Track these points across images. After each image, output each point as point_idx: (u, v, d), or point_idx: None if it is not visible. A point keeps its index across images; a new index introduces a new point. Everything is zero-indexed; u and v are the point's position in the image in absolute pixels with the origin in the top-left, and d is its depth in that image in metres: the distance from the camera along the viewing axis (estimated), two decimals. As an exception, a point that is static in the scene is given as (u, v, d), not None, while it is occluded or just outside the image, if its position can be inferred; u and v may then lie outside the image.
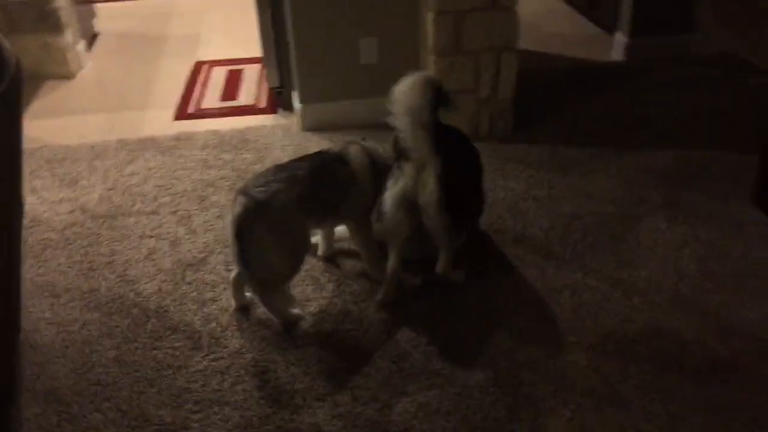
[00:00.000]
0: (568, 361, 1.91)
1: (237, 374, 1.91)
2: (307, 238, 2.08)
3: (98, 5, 4.56)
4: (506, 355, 1.93)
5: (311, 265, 2.28)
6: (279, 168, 2.06)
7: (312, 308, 2.13)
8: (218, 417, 1.78)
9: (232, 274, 2.10)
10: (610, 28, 3.97)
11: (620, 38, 3.79)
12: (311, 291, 2.19)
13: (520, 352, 1.94)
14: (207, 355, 1.97)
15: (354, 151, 2.15)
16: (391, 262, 2.10)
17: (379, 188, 2.05)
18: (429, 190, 1.92)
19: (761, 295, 2.10)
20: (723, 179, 2.69)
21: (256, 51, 3.93)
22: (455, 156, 2.07)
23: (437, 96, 1.90)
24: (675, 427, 1.70)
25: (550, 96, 3.41)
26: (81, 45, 3.98)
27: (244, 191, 1.96)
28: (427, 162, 1.91)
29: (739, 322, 2.01)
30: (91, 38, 4.32)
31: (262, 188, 1.95)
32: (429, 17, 2.82)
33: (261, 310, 2.09)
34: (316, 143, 3.05)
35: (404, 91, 1.89)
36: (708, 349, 1.92)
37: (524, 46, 2.92)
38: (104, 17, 4.56)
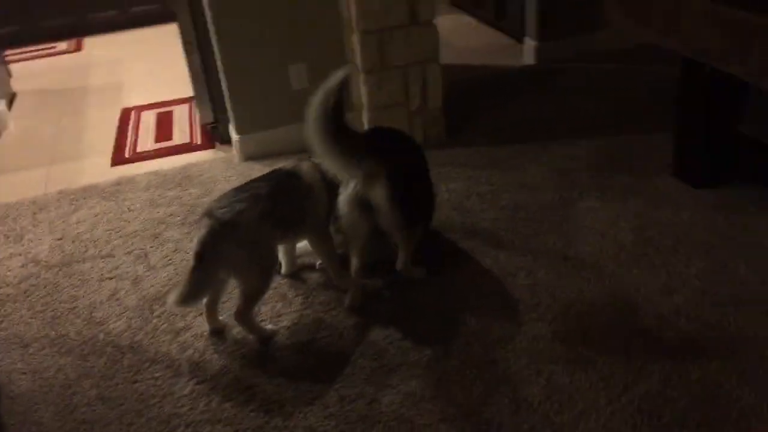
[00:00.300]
0: (534, 335, 2.04)
1: (223, 393, 1.95)
2: (273, 253, 2.15)
3: (12, 65, 4.51)
4: (477, 338, 2.05)
5: (277, 283, 2.34)
6: (238, 189, 2.13)
7: (285, 322, 2.19)
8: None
9: (204, 300, 2.15)
10: (518, 36, 4.22)
11: (529, 43, 4.04)
12: (281, 307, 2.26)
13: (488, 334, 2.06)
14: (190, 380, 2.00)
15: (306, 167, 2.25)
16: (355, 266, 2.20)
17: (332, 200, 2.16)
18: (378, 189, 2.04)
19: (695, 254, 2.30)
20: (642, 158, 2.92)
21: (182, 91, 4.02)
22: (399, 153, 2.20)
23: (338, 104, 2.00)
24: (639, 377, 1.85)
25: (473, 102, 3.60)
26: (1, 105, 3.93)
27: (208, 213, 2.02)
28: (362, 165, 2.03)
29: (680, 278, 2.20)
30: (10, 98, 4.26)
31: (226, 209, 2.02)
32: (354, 38, 2.96)
33: (236, 331, 2.14)
34: (258, 171, 3.09)
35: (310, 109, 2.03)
36: (657, 304, 2.10)
37: (441, 61, 3.10)
38: (20, 77, 4.52)
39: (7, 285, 2.50)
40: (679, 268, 2.24)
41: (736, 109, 2.55)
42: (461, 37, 4.54)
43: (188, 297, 1.97)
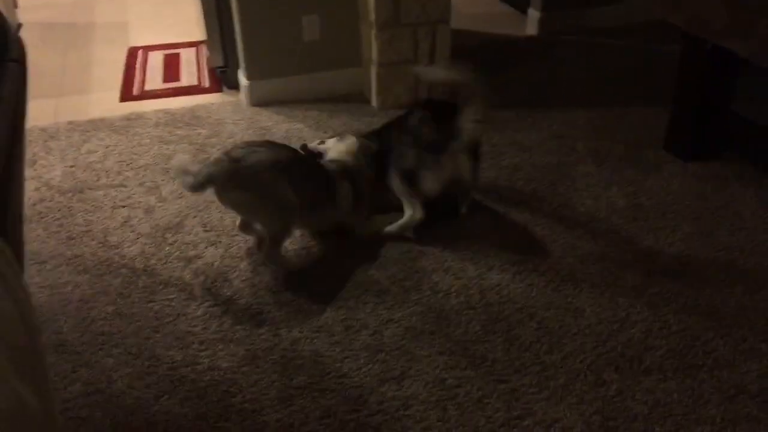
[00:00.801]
0: (528, 283, 2.18)
1: (235, 317, 2.07)
2: (287, 202, 2.16)
3: (18, -5, 4.50)
4: (475, 283, 2.18)
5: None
6: (268, 141, 2.25)
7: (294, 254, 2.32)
8: (225, 352, 1.95)
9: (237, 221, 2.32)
10: (522, 7, 4.31)
11: (533, 14, 4.14)
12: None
13: (486, 280, 2.20)
14: (202, 304, 2.12)
15: (334, 167, 2.36)
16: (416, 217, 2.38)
17: (357, 192, 2.34)
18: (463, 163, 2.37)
19: (682, 220, 2.45)
20: (636, 130, 3.05)
21: (188, 35, 4.07)
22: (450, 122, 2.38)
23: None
24: (623, 326, 2.00)
25: (477, 67, 3.69)
26: (9, 34, 3.94)
27: (225, 152, 2.12)
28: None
29: (666, 241, 2.35)
30: (16, 29, 4.26)
31: (242, 150, 2.12)
32: (370, -8, 3.04)
33: (247, 261, 2.26)
34: (266, 117, 3.21)
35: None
36: (643, 263, 2.25)
37: (449, 24, 3.21)
38: (26, 8, 4.52)
39: (26, 207, 2.58)
40: (666, 232, 2.39)
41: (730, 88, 2.68)
42: (468, 4, 4.61)
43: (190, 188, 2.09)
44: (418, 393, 1.81)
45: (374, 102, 3.29)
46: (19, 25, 4.35)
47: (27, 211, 2.55)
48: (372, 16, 3.08)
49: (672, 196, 2.59)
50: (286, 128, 3.11)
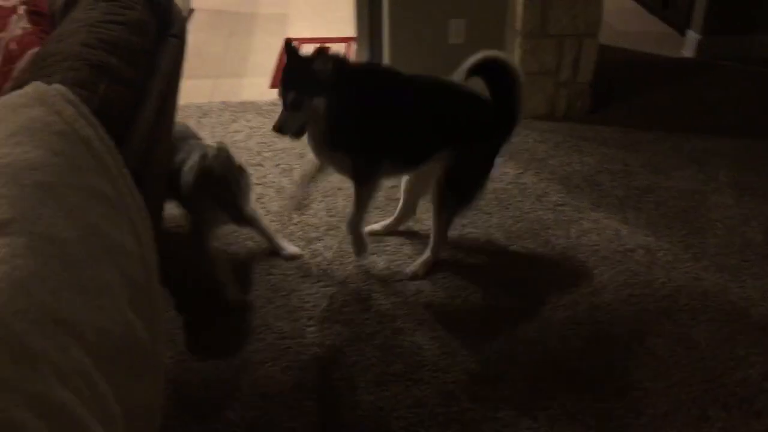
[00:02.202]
0: (642, 308, 2.11)
1: (344, 299, 2.16)
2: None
3: (193, -16, 4.88)
4: (585, 299, 2.15)
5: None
6: None
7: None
8: (330, 331, 2.04)
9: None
10: (681, 28, 4.13)
11: (692, 36, 3.96)
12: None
13: (597, 297, 2.15)
14: (316, 283, 2.22)
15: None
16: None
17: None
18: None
19: (823, 265, 2.28)
20: (787, 166, 2.86)
21: (341, 31, 4.25)
22: None
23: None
24: (740, 364, 1.90)
25: (622, 85, 3.60)
26: (181, 18, 4.29)
27: None
28: None
29: (801, 286, 2.19)
30: (188, 13, 4.63)
31: None
32: (519, 0, 3.04)
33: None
34: (402, 114, 3.29)
35: None
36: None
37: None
38: (199, -4, 4.89)
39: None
40: (803, 275, 2.23)
41: None
42: (622, 20, 4.48)
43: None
44: (511, 397, 1.81)
45: (510, 110, 3.29)
46: (191, 11, 4.73)
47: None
48: (519, 24, 3.08)
49: (817, 238, 2.41)
50: (420, 127, 3.17)
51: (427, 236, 2.28)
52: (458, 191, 2.17)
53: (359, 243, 2.21)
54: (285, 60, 2.04)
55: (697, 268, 2.27)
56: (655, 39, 4.23)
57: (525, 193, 2.68)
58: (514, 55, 3.17)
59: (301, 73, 1.97)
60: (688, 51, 4.00)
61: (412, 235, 2.44)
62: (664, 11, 4.45)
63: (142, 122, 1.44)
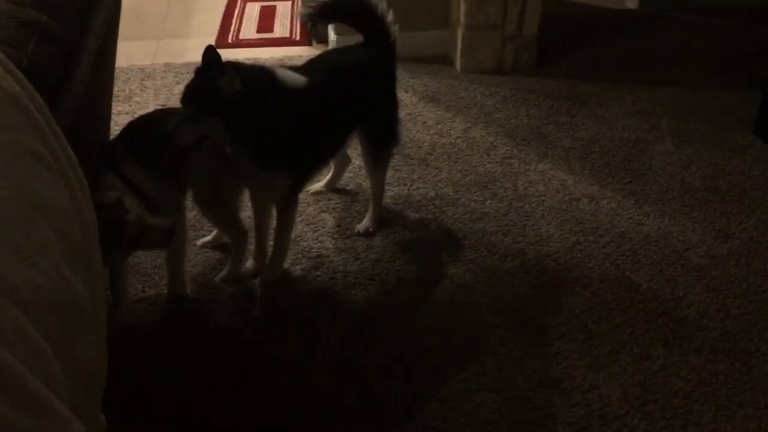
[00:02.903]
0: (586, 254, 2.17)
1: (294, 257, 2.16)
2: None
3: (132, -59, 4.72)
4: (532, 248, 2.19)
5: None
6: None
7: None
8: (283, 288, 2.05)
9: None
10: (625, -21, 4.17)
11: (635, -13, 4.00)
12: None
13: (544, 246, 2.20)
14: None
15: None
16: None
17: None
18: None
19: (759, 206, 2.36)
20: (725, 113, 2.94)
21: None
22: None
23: None
24: (679, 304, 1.97)
25: (566, 37, 3.63)
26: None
27: None
28: None
29: (737, 228, 2.27)
30: (127, -27, 4.49)
31: None
32: (463, -46, 3.03)
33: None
34: (350, 72, 3.27)
35: None
36: (709, 245, 2.19)
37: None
38: (138, -46, 4.73)
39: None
40: (739, 218, 2.31)
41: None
42: (567, -28, 4.50)
43: None
44: (461, 345, 1.86)
45: (458, 65, 3.30)
46: (131, -29, 4.58)
47: (118, 142, 2.73)
48: (463, -23, 3.08)
49: (752, 181, 2.49)
50: (368, 84, 3.16)
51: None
52: (382, 142, 2.19)
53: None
54: (200, 65, 1.77)
55: (639, 214, 2.33)
56: (600, -9, 4.26)
57: (473, 147, 2.71)
58: (459, 8, 3.17)
59: (203, 88, 1.75)
60: (631, 2, 4.04)
61: (357, 194, 2.45)
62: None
63: (75, 81, 1.41)
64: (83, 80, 1.44)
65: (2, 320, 0.77)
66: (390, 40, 2.14)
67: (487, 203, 2.40)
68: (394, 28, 2.14)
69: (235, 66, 1.79)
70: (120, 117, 2.88)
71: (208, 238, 2.22)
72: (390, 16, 2.13)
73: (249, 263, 2.10)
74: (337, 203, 2.40)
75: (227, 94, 1.72)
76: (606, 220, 2.31)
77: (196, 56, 3.35)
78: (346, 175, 2.48)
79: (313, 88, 1.91)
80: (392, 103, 2.22)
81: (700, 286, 2.04)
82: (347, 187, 2.48)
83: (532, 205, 2.38)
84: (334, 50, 2.17)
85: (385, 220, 2.31)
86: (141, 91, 3.11)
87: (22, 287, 0.82)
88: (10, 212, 0.86)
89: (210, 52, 1.73)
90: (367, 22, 2.12)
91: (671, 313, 1.95)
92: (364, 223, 2.27)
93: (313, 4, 2.10)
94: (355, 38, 2.19)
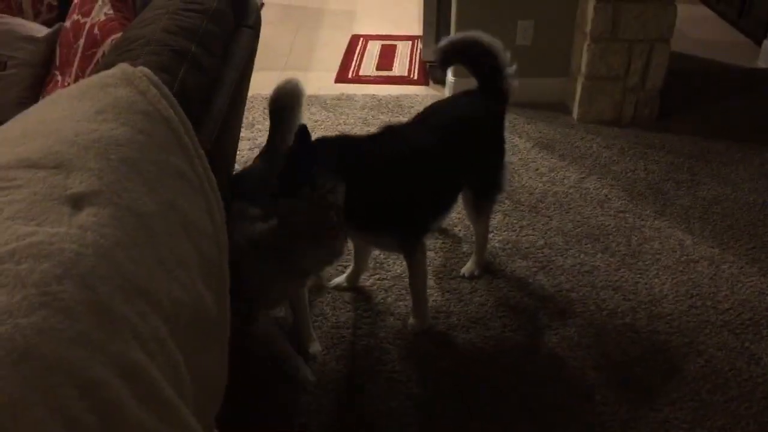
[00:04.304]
0: (703, 320, 2.07)
1: (399, 293, 2.17)
2: None
3: (265, -22, 4.97)
4: (643, 307, 2.11)
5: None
6: None
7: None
8: (383, 323, 2.06)
9: None
10: (758, 37, 4.01)
11: (768, 46, 3.85)
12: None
13: (657, 307, 2.12)
14: (372, 275, 2.25)
15: None
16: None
17: None
18: None
19: None
20: None
21: (407, 29, 4.28)
22: None
23: None
24: (804, 385, 1.84)
25: (692, 94, 3.52)
26: (251, 11, 4.39)
27: None
28: None
29: None
30: (258, 6, 4.73)
31: None
32: (590, 3, 3.00)
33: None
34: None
35: None
36: (841, 325, 2.05)
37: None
38: (270, -11, 4.98)
39: (239, 163, 2.88)
40: None
41: None
42: (696, 28, 4.38)
43: None
44: (563, 402, 1.80)
45: (575, 114, 3.26)
46: (262, 4, 4.82)
47: (237, 166, 2.85)
48: (588, 27, 3.05)
49: None
50: (483, 127, 3.17)
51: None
52: (488, 191, 2.17)
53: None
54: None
55: (763, 283, 2.21)
56: (729, 48, 4.12)
57: (586, 198, 2.65)
58: (581, 57, 3.14)
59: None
60: (763, 61, 3.88)
61: (468, 235, 2.44)
62: (740, 20, 4.33)
63: (216, 108, 1.49)
64: (223, 108, 1.52)
65: (145, 328, 0.81)
66: (504, 88, 2.13)
67: (597, 256, 2.34)
68: (512, 79, 2.13)
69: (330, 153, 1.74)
70: (242, 143, 3.01)
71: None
72: (512, 69, 2.12)
73: (410, 322, 2.06)
74: (444, 243, 2.40)
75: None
76: (726, 285, 2.20)
77: (316, 89, 3.56)
78: (454, 215, 2.47)
79: (428, 148, 1.90)
80: (499, 152, 2.19)
81: (828, 366, 1.90)
82: (453, 230, 2.48)
83: (645, 263, 2.30)
84: (447, 100, 2.14)
85: (491, 264, 2.29)
86: (263, 119, 3.24)
87: (164, 299, 0.87)
88: (159, 227, 0.92)
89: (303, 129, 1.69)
90: (486, 68, 2.12)
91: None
92: (469, 266, 2.26)
93: (443, 44, 2.13)
94: (473, 81, 2.19)
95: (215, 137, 1.47)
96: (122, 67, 1.14)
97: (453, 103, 2.24)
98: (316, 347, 1.96)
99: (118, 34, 1.89)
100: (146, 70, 1.14)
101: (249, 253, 1.55)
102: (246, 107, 3.32)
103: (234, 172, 2.00)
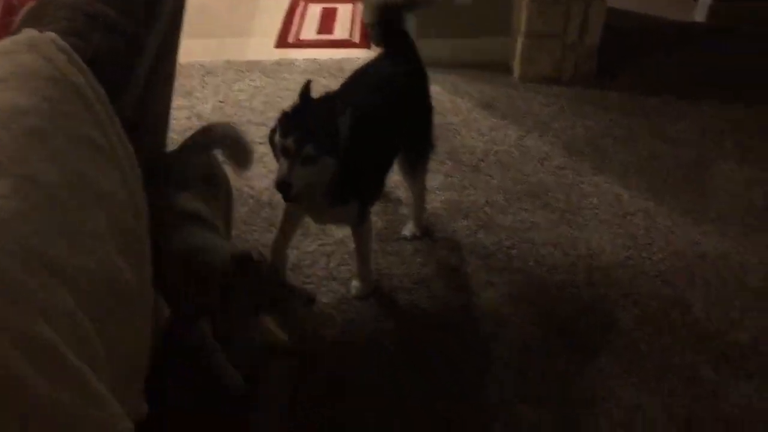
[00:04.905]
0: (639, 270, 2.12)
1: (341, 257, 2.17)
2: None
3: (201, -59, 4.83)
4: (583, 261, 2.15)
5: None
6: None
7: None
8: (326, 288, 2.05)
9: None
10: (694, -9, 4.07)
11: (704, 0, 3.89)
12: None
13: (595, 260, 2.16)
14: (314, 241, 2.23)
15: None
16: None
17: None
18: None
19: (824, 232, 2.27)
20: (795, 133, 2.84)
21: (349, -8, 4.19)
22: None
23: None
24: (733, 327, 1.91)
25: (629, 49, 3.56)
26: (187, -24, 4.25)
27: None
28: None
29: (800, 253, 2.19)
30: (195, -29, 4.59)
31: None
32: (526, -39, 3.00)
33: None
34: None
35: None
36: (769, 270, 2.12)
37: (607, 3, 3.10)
38: (206, -47, 4.84)
39: (173, 131, 2.80)
40: (803, 242, 2.23)
41: None
42: (633, -17, 4.41)
43: None
44: (503, 355, 1.83)
45: (516, 73, 3.27)
46: (198, -31, 4.69)
47: (176, 136, 2.78)
48: (525, -16, 3.05)
49: (820, 205, 2.40)
50: (424, 89, 3.16)
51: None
52: (420, 150, 2.16)
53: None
54: (299, 102, 1.76)
55: (696, 233, 2.27)
56: (665, 3, 4.16)
57: (527, 156, 2.67)
58: (521, 16, 3.13)
59: (322, 125, 1.69)
60: (699, 15, 3.93)
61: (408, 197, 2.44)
62: (677, -25, 4.37)
63: (138, 74, 1.44)
64: (145, 73, 1.47)
65: (51, 300, 0.79)
66: (414, 49, 2.11)
67: (537, 213, 2.36)
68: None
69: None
70: (179, 111, 2.94)
71: None
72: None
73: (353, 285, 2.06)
74: (386, 206, 2.40)
75: (343, 133, 1.69)
76: (661, 237, 2.25)
77: (256, 54, 3.49)
78: (396, 178, 2.45)
79: (375, 109, 1.88)
80: (428, 109, 2.18)
81: (757, 309, 1.97)
82: (396, 192, 2.47)
83: (584, 218, 2.34)
84: (372, 63, 2.12)
85: (432, 225, 2.30)
86: (201, 87, 3.17)
87: (73, 271, 0.84)
88: (66, 198, 0.89)
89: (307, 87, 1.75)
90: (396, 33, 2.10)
91: (724, 335, 1.89)
92: (410, 227, 2.26)
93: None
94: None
95: (137, 104, 1.43)
96: (27, 33, 1.10)
97: (378, 65, 2.20)
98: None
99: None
100: (53, 34, 1.09)
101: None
102: (184, 75, 3.25)
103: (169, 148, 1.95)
